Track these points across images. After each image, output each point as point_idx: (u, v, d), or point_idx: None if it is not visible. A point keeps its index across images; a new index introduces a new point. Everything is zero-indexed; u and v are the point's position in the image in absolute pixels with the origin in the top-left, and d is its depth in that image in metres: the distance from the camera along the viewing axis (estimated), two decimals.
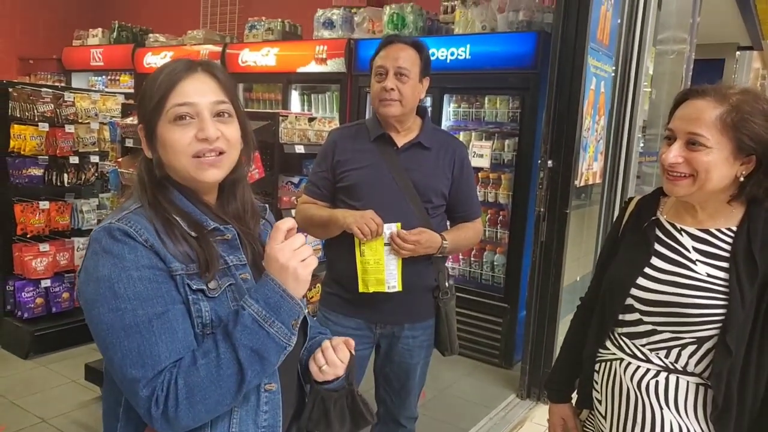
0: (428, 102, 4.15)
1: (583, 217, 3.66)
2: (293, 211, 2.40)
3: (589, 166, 3.52)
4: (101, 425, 1.14)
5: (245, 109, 1.23)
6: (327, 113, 4.98)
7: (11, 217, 3.65)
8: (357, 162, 1.99)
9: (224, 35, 6.45)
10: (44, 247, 3.75)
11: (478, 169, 3.96)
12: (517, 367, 3.71)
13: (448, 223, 2.11)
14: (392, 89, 1.91)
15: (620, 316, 1.42)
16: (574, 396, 1.62)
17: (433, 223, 1.99)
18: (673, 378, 1.34)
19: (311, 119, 3.03)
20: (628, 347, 1.41)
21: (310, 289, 0.99)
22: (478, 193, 2.47)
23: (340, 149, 2.03)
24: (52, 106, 3.77)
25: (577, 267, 3.58)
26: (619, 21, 3.67)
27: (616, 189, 4.00)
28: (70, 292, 3.88)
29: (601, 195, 3.91)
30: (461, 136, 4.16)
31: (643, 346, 1.38)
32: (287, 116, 2.90)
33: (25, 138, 3.62)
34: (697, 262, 1.32)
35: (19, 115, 3.65)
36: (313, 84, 5.16)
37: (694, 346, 1.32)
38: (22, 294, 3.70)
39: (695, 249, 1.34)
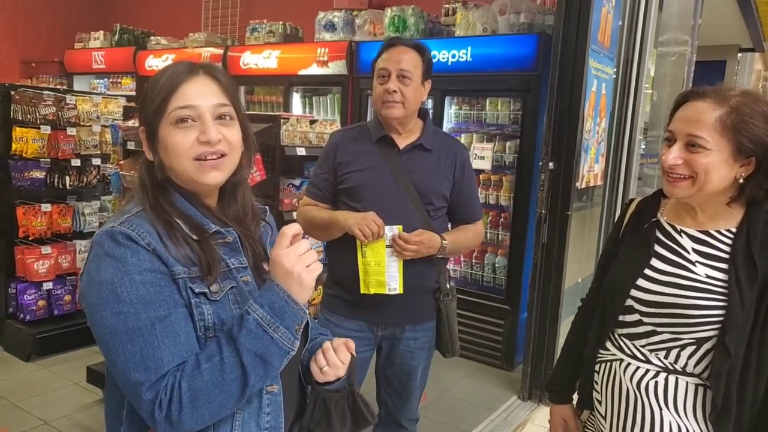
0: (429, 104, 4.15)
1: (585, 219, 3.67)
2: (294, 214, 2.40)
3: (591, 168, 3.52)
4: (103, 427, 1.14)
5: (246, 112, 1.23)
6: (328, 116, 4.99)
7: (13, 219, 3.65)
8: (358, 164, 1.99)
9: (226, 38, 6.47)
10: (46, 249, 3.75)
11: (480, 171, 3.97)
12: (519, 368, 3.71)
13: (449, 225, 2.11)
14: (395, 91, 1.92)
15: (620, 317, 1.42)
16: (576, 397, 1.62)
17: (435, 225, 1.99)
18: (672, 379, 1.35)
19: (312, 121, 3.04)
20: (628, 348, 1.41)
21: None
22: (479, 195, 2.48)
23: (342, 151, 2.03)
24: (54, 108, 3.78)
25: (579, 269, 3.58)
26: (620, 23, 3.68)
27: (618, 191, 4.00)
28: (72, 294, 3.88)
29: (602, 197, 3.91)
30: (462, 138, 4.16)
31: (643, 346, 1.39)
32: (288, 119, 2.90)
33: (27, 141, 3.64)
34: (696, 264, 1.33)
35: (21, 118, 3.66)
36: (314, 86, 5.17)
37: (694, 347, 1.32)
38: (24, 296, 3.71)
39: (695, 250, 1.35)
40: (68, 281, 3.88)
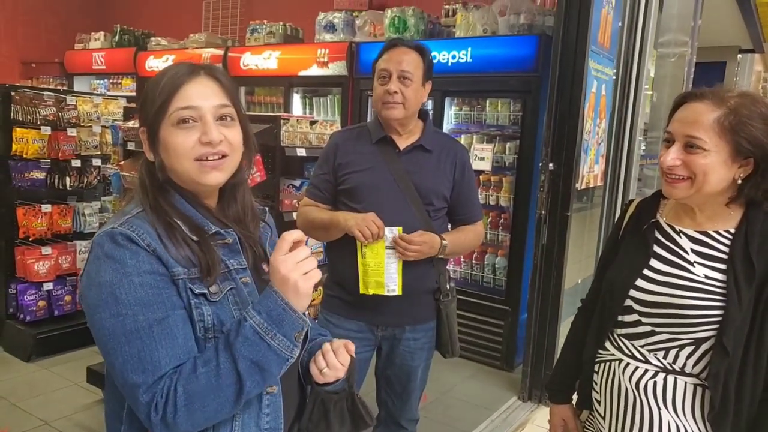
0: (430, 105, 4.16)
1: (585, 219, 3.67)
2: (295, 214, 2.40)
3: (590, 169, 3.53)
4: (103, 428, 1.15)
5: (247, 113, 1.23)
6: (329, 116, 4.99)
7: (13, 220, 3.66)
8: (358, 164, 2.00)
9: (226, 39, 6.47)
10: (46, 250, 3.76)
11: (480, 172, 3.97)
12: (519, 369, 3.71)
13: (449, 225, 2.12)
14: (395, 92, 1.92)
15: (619, 317, 1.43)
16: (575, 397, 1.62)
17: (435, 225, 1.99)
18: (671, 379, 1.35)
19: (313, 122, 3.04)
20: (627, 348, 1.42)
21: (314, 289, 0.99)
22: (479, 196, 2.48)
23: (342, 152, 2.03)
24: (55, 109, 3.79)
25: (579, 270, 3.58)
26: (620, 24, 3.68)
27: (618, 192, 4.00)
28: (72, 295, 3.88)
29: (602, 198, 3.92)
30: (463, 139, 4.17)
31: (642, 347, 1.39)
32: (288, 119, 2.90)
33: (27, 141, 3.64)
34: (695, 264, 1.33)
35: (21, 119, 3.66)
36: (314, 87, 5.18)
37: (692, 347, 1.33)
38: (25, 297, 3.71)
39: (693, 251, 1.35)
40: (68, 282, 3.88)
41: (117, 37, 7.16)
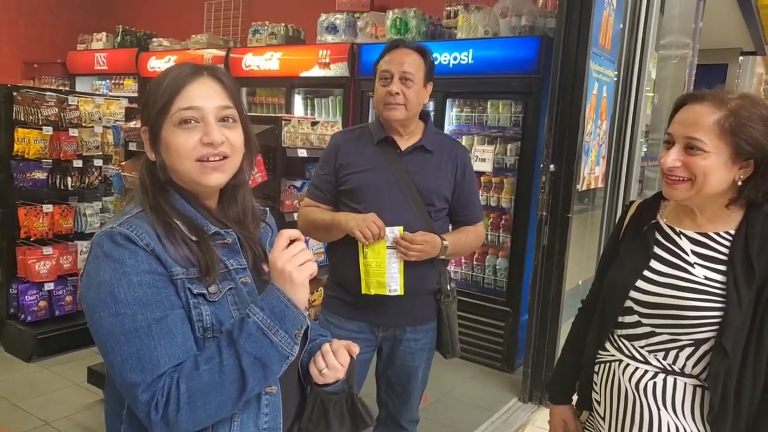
0: (431, 106, 4.16)
1: (586, 221, 3.67)
2: (296, 215, 2.40)
3: (591, 171, 3.53)
4: (104, 428, 1.15)
5: (248, 113, 1.23)
6: (330, 117, 5.00)
7: (15, 220, 3.66)
8: (360, 165, 2.00)
9: (228, 39, 6.48)
10: (48, 250, 3.76)
11: (481, 173, 3.97)
12: (520, 370, 3.71)
13: (450, 226, 2.12)
14: (397, 93, 1.92)
15: (619, 318, 1.43)
16: (575, 398, 1.62)
17: (436, 226, 1.99)
18: (670, 379, 1.35)
19: (314, 123, 3.04)
20: (627, 349, 1.42)
21: (312, 293, 0.99)
22: (480, 197, 2.48)
23: (343, 152, 2.03)
24: (56, 109, 3.79)
25: (580, 271, 3.58)
26: (621, 26, 3.68)
27: (619, 193, 4.00)
28: (73, 295, 3.89)
29: (603, 199, 3.92)
30: (464, 141, 4.17)
31: (642, 347, 1.39)
32: (290, 120, 2.90)
33: (29, 141, 3.64)
34: (695, 265, 1.34)
35: (23, 119, 3.66)
36: (316, 88, 5.18)
37: (692, 348, 1.33)
38: (26, 297, 3.71)
39: (693, 252, 1.35)
40: (69, 282, 3.88)
41: (119, 37, 7.18)
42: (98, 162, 4.01)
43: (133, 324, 0.97)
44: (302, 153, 2.89)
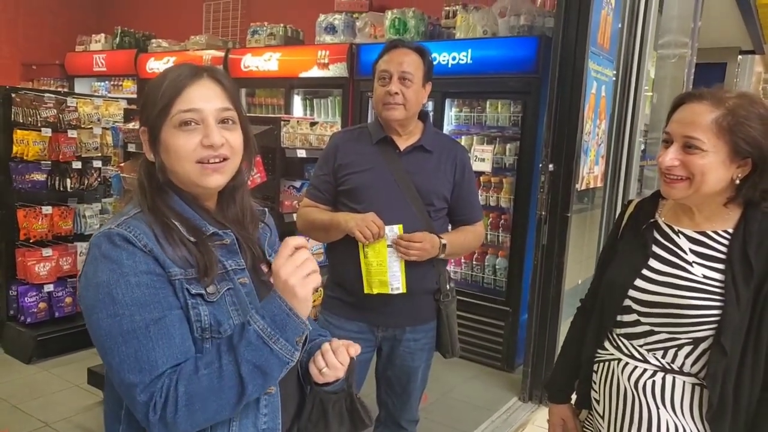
0: (430, 106, 4.16)
1: (585, 220, 3.67)
2: (295, 216, 2.40)
3: (590, 170, 3.53)
4: (104, 429, 1.15)
5: (247, 114, 1.24)
6: (329, 118, 5.00)
7: (14, 222, 3.66)
8: (359, 165, 2.00)
9: (227, 40, 6.48)
10: (47, 252, 3.76)
11: (480, 173, 3.97)
12: (519, 370, 3.71)
13: (449, 226, 2.12)
14: (396, 93, 1.92)
15: (618, 317, 1.43)
16: (574, 397, 1.63)
17: (435, 226, 1.99)
18: (669, 378, 1.36)
19: (313, 124, 3.04)
20: (626, 348, 1.42)
21: (313, 292, 0.99)
22: (479, 196, 2.48)
23: (342, 152, 2.04)
24: (55, 111, 3.79)
25: (579, 270, 3.58)
26: (619, 25, 3.68)
27: (618, 193, 4.00)
28: (72, 296, 3.88)
29: (602, 198, 3.92)
30: (463, 140, 4.17)
31: (641, 346, 1.40)
32: (289, 121, 2.91)
33: (28, 143, 3.64)
34: (693, 264, 1.34)
35: (21, 121, 3.66)
36: (315, 89, 5.18)
37: (691, 347, 1.33)
38: (25, 299, 3.71)
39: (692, 251, 1.36)
40: (69, 283, 3.88)
41: (118, 38, 7.17)
42: (97, 163, 4.01)
43: (131, 325, 0.97)
44: (301, 153, 2.89)
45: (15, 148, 3.63)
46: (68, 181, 3.86)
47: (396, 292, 1.91)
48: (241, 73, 5.42)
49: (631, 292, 1.39)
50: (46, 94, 3.84)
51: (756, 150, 1.26)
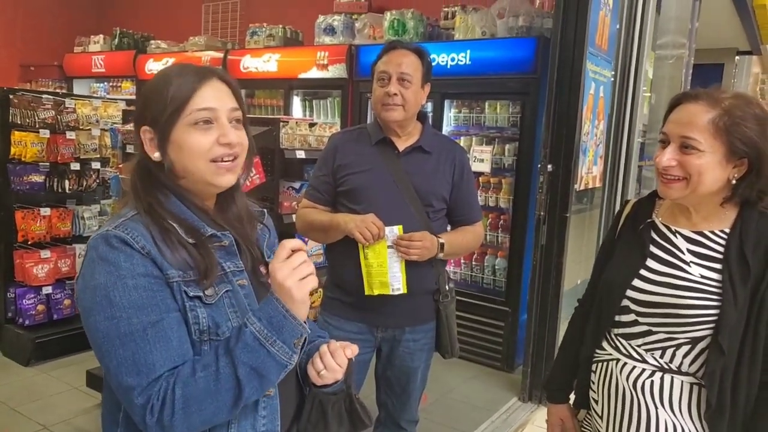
0: (429, 107, 4.16)
1: (584, 220, 3.67)
2: (294, 217, 2.40)
3: (589, 170, 3.53)
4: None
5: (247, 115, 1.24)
6: (329, 119, 5.00)
7: (12, 223, 3.65)
8: (358, 166, 2.00)
9: (226, 41, 6.48)
10: (45, 253, 3.74)
11: (479, 174, 3.98)
12: (519, 370, 3.71)
13: (448, 227, 2.12)
14: (395, 94, 1.93)
15: (616, 317, 1.44)
16: (573, 397, 1.63)
17: (434, 226, 2.00)
18: (667, 378, 1.36)
19: (312, 125, 3.05)
20: (624, 348, 1.42)
21: (311, 294, 0.98)
22: (479, 197, 2.48)
23: (341, 153, 2.04)
24: (53, 112, 3.78)
25: (578, 270, 3.58)
26: (618, 26, 3.69)
27: (616, 193, 4.01)
28: (71, 298, 3.87)
29: (601, 199, 3.92)
30: (462, 141, 4.17)
31: (639, 346, 1.40)
32: (288, 122, 2.91)
33: (25, 145, 3.63)
34: (691, 264, 1.34)
35: (19, 122, 3.65)
36: (314, 90, 5.18)
37: (688, 346, 1.34)
38: (24, 301, 3.70)
39: (689, 251, 1.36)
40: (68, 285, 3.87)
41: (116, 40, 7.16)
42: (96, 165, 4.00)
43: (128, 327, 0.97)
44: (300, 154, 2.90)
45: (13, 150, 3.62)
46: (66, 182, 3.85)
47: (397, 292, 1.91)
48: (241, 74, 5.42)
49: (629, 292, 1.39)
50: (44, 96, 3.83)
51: (752, 150, 1.26)
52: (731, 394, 1.27)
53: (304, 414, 1.19)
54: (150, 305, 0.98)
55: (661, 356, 1.37)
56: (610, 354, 1.45)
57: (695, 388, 1.34)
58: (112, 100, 4.41)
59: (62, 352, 3.74)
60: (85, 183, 3.95)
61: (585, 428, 1.60)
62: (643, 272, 1.39)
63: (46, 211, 3.76)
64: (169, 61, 6.17)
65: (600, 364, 1.48)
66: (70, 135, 3.83)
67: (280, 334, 0.98)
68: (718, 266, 1.31)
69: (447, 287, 2.07)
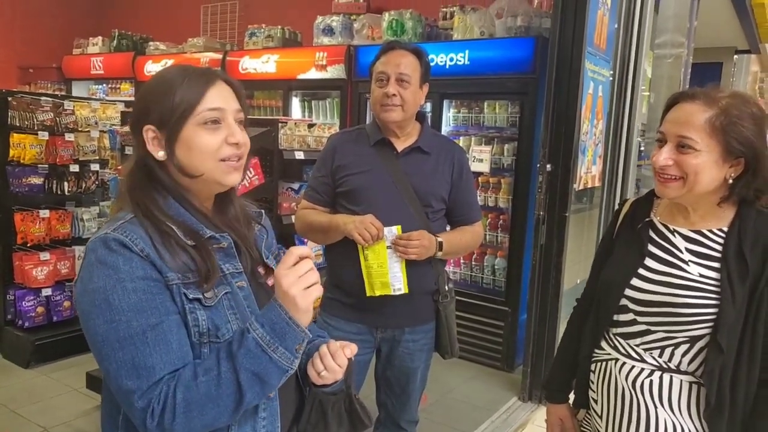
0: (428, 107, 4.16)
1: (583, 220, 3.67)
2: (293, 218, 2.40)
3: (588, 170, 3.53)
4: None
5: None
6: (328, 119, 5.00)
7: (11, 225, 3.65)
8: (357, 167, 2.00)
9: (224, 43, 6.48)
10: (45, 255, 3.74)
11: (478, 174, 3.98)
12: (519, 370, 3.72)
13: (448, 227, 2.12)
14: (394, 95, 1.93)
15: (615, 317, 1.44)
16: (572, 396, 1.63)
17: (433, 227, 2.00)
18: (666, 377, 1.36)
19: (311, 125, 3.04)
20: (623, 347, 1.42)
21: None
22: (478, 197, 2.48)
23: (340, 154, 2.04)
24: (52, 114, 3.78)
25: (578, 270, 3.58)
26: (616, 26, 3.69)
27: (615, 192, 4.01)
28: (70, 300, 3.87)
29: (600, 198, 3.92)
30: (461, 141, 4.18)
31: (638, 345, 1.40)
32: (287, 122, 2.91)
33: (24, 147, 3.63)
34: (689, 263, 1.34)
35: (18, 124, 3.65)
36: (313, 90, 5.18)
37: (687, 345, 1.34)
38: (23, 303, 3.70)
39: (688, 250, 1.36)
40: (67, 287, 3.86)
41: (115, 41, 7.16)
42: (95, 166, 4.00)
43: (127, 331, 0.96)
44: (299, 155, 2.89)
45: (12, 152, 3.62)
46: (66, 184, 3.84)
47: (398, 293, 1.91)
48: (239, 75, 5.42)
49: (628, 292, 1.39)
50: (43, 98, 3.83)
51: (748, 150, 1.26)
52: (730, 393, 1.28)
53: (304, 414, 1.20)
54: (149, 308, 0.98)
55: (660, 355, 1.37)
56: (609, 353, 1.45)
57: (694, 387, 1.34)
58: (110, 101, 4.41)
59: (62, 353, 3.74)
60: (84, 185, 3.95)
61: (584, 428, 1.60)
62: (641, 271, 1.39)
63: (45, 213, 3.75)
64: (168, 62, 6.16)
65: (599, 364, 1.48)
66: (69, 137, 3.82)
67: (282, 341, 0.98)
68: (716, 265, 1.31)
69: (446, 287, 2.07)
